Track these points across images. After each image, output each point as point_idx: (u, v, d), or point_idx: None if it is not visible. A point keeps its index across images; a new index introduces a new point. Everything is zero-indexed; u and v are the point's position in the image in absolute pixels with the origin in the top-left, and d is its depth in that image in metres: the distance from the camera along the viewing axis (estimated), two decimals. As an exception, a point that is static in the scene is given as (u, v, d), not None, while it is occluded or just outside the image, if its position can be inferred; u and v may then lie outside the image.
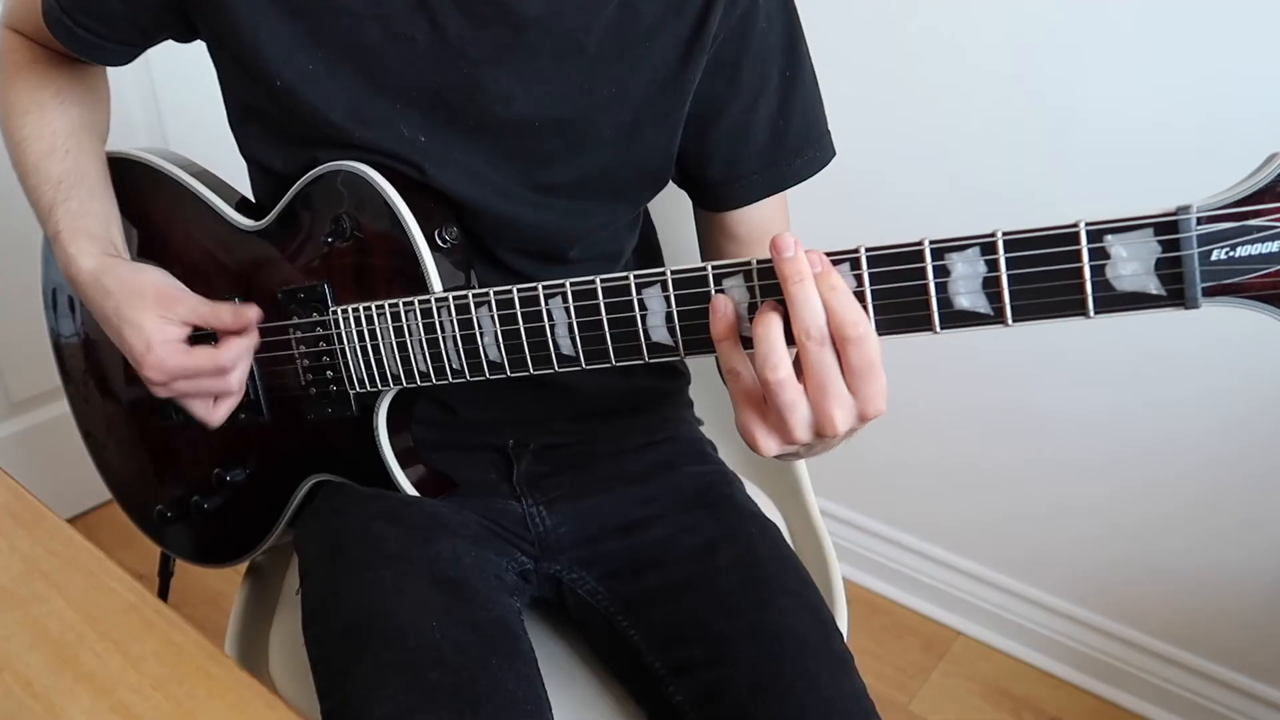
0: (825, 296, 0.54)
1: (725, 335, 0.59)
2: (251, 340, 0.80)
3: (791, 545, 0.87)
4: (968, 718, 1.45)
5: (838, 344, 0.55)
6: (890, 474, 1.59)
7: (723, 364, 0.60)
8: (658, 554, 0.82)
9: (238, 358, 0.79)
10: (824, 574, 0.95)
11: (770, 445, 0.59)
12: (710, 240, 0.88)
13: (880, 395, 0.56)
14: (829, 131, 0.83)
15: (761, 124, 0.79)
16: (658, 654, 0.76)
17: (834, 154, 0.83)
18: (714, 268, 0.61)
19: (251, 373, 0.83)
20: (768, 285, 0.59)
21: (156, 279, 0.80)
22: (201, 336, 0.80)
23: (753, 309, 0.59)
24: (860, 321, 0.54)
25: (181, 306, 0.78)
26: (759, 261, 0.59)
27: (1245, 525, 1.27)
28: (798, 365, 0.56)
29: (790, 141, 0.80)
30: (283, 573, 0.96)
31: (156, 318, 0.77)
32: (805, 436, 0.57)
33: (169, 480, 0.92)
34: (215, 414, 0.81)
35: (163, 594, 1.04)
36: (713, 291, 0.61)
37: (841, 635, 0.77)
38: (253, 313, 0.80)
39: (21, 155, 0.82)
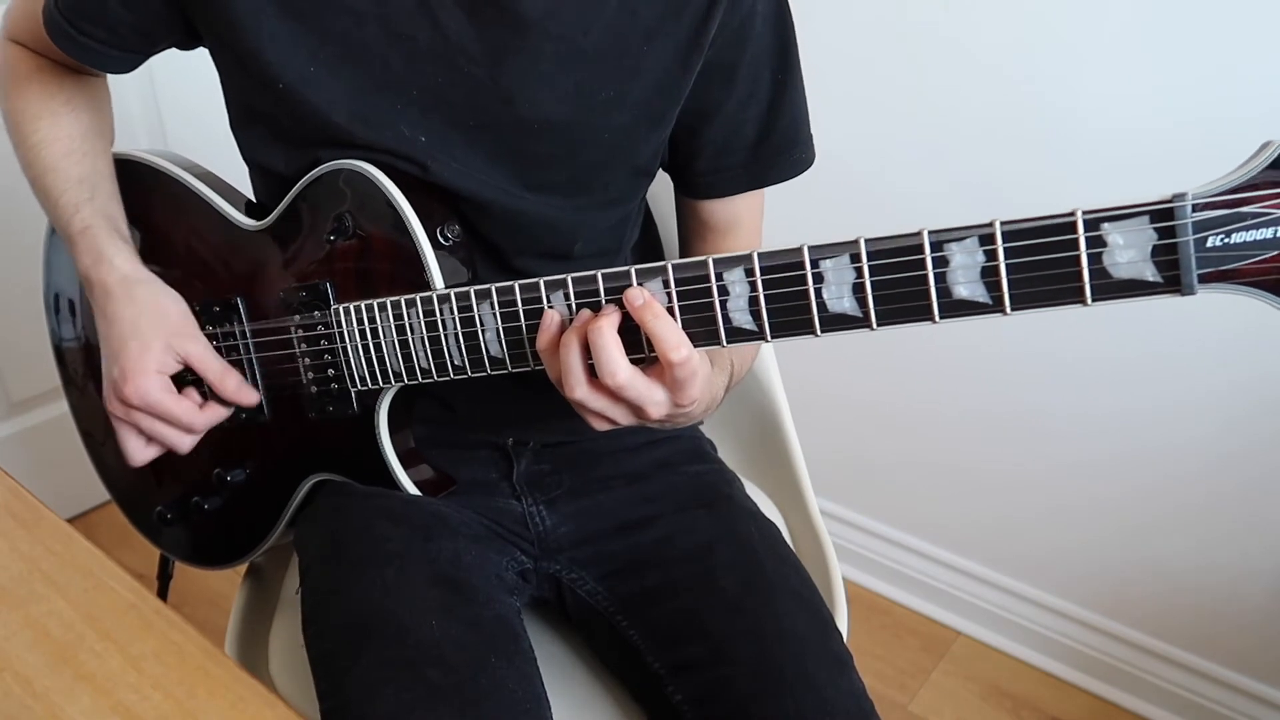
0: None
1: (545, 347, 0.66)
2: (226, 414, 0.81)
3: (791, 545, 0.87)
4: (967, 718, 1.45)
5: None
6: (890, 474, 1.59)
7: (549, 371, 0.67)
8: (657, 554, 0.82)
9: (209, 425, 0.80)
10: (824, 574, 0.95)
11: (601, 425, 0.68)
12: (687, 225, 0.90)
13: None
14: (812, 138, 0.84)
15: (750, 122, 0.81)
16: (657, 654, 0.76)
17: (813, 160, 0.85)
18: (715, 261, 0.61)
19: (253, 371, 0.83)
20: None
21: (182, 308, 0.81)
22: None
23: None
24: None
25: (194, 346, 0.79)
26: (760, 255, 0.60)
27: (1246, 526, 1.27)
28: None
29: (776, 141, 0.82)
30: (283, 573, 0.96)
31: (165, 345, 0.78)
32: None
33: (169, 481, 0.92)
34: (144, 455, 0.81)
35: (161, 595, 1.04)
36: (714, 286, 0.61)
37: (841, 635, 0.77)
38: (254, 398, 0.82)
39: (37, 157, 0.83)
